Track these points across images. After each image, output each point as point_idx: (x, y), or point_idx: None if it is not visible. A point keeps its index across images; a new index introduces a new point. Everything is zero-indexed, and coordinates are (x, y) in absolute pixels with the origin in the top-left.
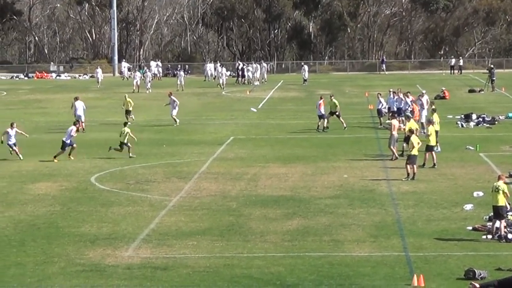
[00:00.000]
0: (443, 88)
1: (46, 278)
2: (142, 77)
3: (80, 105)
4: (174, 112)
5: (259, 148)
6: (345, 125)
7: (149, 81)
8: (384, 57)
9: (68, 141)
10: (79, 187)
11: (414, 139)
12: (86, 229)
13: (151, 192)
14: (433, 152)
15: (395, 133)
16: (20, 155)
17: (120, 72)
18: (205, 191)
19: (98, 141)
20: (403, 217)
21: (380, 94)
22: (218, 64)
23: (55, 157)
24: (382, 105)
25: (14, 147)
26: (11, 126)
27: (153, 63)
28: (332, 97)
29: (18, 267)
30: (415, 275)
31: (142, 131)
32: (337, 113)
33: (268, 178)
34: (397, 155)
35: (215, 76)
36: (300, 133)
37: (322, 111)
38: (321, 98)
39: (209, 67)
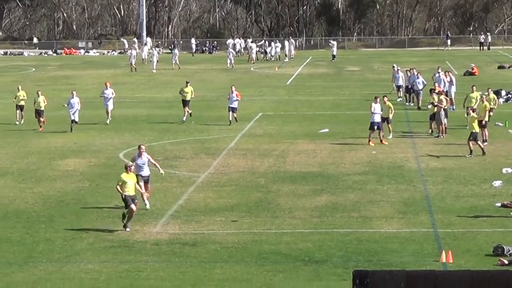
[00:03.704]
0: (472, 65)
1: (74, 254)
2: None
3: (76, 102)
4: (110, 106)
5: (288, 125)
6: (184, 119)
7: (157, 60)
8: (448, 32)
9: None
10: (108, 163)
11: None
12: (115, 205)
13: (180, 168)
14: (486, 129)
15: (442, 111)
16: (147, 202)
17: (124, 50)
18: (234, 168)
19: (127, 118)
20: (432, 194)
21: (413, 70)
22: (241, 40)
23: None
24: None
25: (142, 189)
26: (139, 150)
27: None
28: (188, 83)
29: (47, 243)
30: (443, 252)
31: (171, 107)
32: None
33: (297, 155)
34: (443, 134)
35: (243, 53)
36: (329, 110)
37: (234, 104)
38: (232, 89)
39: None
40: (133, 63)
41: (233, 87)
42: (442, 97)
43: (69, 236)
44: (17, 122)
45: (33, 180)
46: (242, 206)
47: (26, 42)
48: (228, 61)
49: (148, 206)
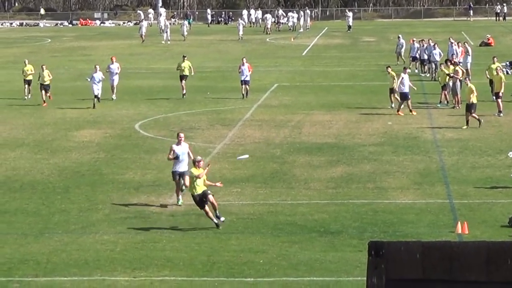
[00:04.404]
0: (488, 35)
1: (90, 225)
2: (187, 27)
3: (99, 76)
4: (116, 81)
5: (303, 95)
6: (184, 92)
7: (166, 31)
8: (471, 3)
9: None
10: (123, 134)
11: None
12: (130, 176)
13: (195, 139)
14: (500, 100)
15: (458, 82)
16: (180, 199)
17: (140, 21)
18: (249, 138)
19: (142, 88)
20: (448, 164)
21: (429, 41)
22: (257, 11)
23: None
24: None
25: (182, 181)
26: (178, 138)
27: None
28: (185, 58)
29: (63, 214)
30: (459, 222)
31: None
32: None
33: (312, 125)
34: (459, 105)
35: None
36: (345, 80)
37: (248, 77)
38: (243, 61)
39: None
40: (143, 34)
41: (244, 59)
42: (458, 67)
43: (85, 207)
44: (26, 97)
45: (49, 151)
46: (257, 177)
47: (42, 13)
48: (238, 31)
49: (180, 202)
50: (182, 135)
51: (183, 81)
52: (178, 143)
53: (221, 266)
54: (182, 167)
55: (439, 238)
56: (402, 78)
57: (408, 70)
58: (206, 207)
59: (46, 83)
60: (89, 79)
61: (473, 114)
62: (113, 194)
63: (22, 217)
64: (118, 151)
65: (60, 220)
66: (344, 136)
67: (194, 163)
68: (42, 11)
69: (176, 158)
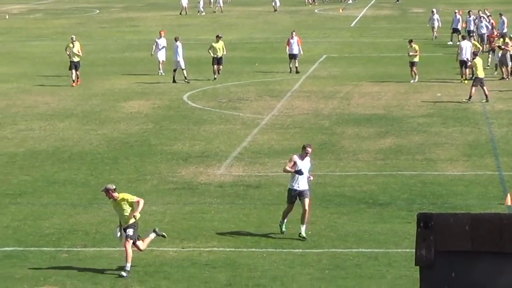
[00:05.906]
0: None
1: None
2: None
3: (180, 47)
4: (162, 56)
5: (352, 67)
6: (216, 76)
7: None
8: None
9: None
10: (172, 105)
11: (478, 61)
12: (179, 147)
13: (244, 110)
14: None
15: (508, 53)
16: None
17: None
18: (298, 110)
19: (191, 59)
20: (497, 136)
21: (479, 12)
22: None
23: None
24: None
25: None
26: (304, 151)
27: None
28: (220, 38)
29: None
30: (508, 195)
31: (235, 49)
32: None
33: (361, 97)
34: (509, 77)
35: None
36: (393, 52)
37: (296, 51)
38: (293, 34)
39: None
40: (185, 5)
41: (293, 32)
42: (508, 39)
43: (133, 178)
44: (74, 84)
45: (97, 122)
46: None
47: None
48: (273, 3)
49: (303, 233)
50: (309, 149)
51: (219, 65)
52: (303, 157)
53: (269, 238)
54: (302, 184)
55: (488, 210)
56: (462, 46)
57: (465, 41)
58: (127, 244)
59: (76, 60)
60: (177, 58)
61: (484, 88)
62: (162, 165)
63: (71, 188)
64: (167, 122)
65: None
66: (393, 107)
67: (107, 191)
68: None
69: (297, 172)
